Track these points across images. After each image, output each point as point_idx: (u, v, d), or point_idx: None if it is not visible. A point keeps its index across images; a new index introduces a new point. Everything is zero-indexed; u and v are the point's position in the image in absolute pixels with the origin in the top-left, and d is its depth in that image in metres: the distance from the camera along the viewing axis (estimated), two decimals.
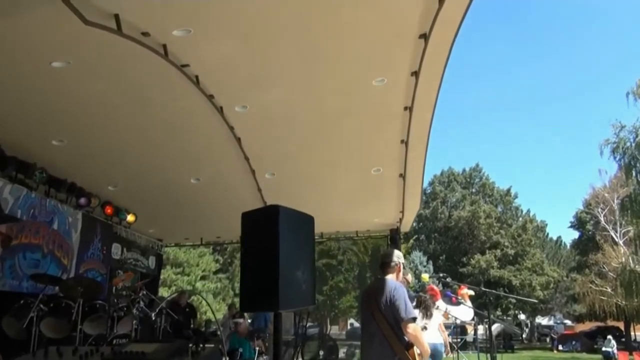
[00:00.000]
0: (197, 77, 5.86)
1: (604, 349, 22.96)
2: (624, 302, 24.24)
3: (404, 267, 4.11)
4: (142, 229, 11.42)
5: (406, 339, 3.59)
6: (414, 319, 3.60)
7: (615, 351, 22.24)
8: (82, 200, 8.64)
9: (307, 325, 24.14)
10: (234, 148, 7.89)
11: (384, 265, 4.00)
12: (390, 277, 3.89)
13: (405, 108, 6.81)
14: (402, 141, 7.85)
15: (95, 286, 6.46)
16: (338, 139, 7.83)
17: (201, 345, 3.79)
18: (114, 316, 6.19)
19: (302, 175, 9.04)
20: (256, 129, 7.38)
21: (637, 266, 22.06)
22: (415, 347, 3.60)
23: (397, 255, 4.05)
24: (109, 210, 9.53)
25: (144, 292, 7.00)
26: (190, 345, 2.23)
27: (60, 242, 8.20)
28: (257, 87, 6.22)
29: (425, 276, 6.47)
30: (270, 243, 2.17)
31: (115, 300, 6.39)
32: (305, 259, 2.37)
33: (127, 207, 10.22)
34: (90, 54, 5.03)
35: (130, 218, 10.29)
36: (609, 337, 23.86)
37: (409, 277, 6.44)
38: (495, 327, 9.56)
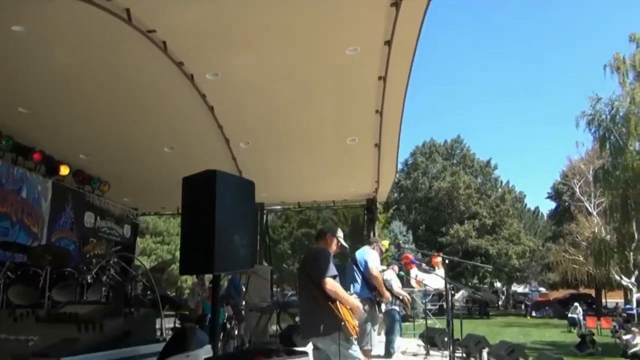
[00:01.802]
0: (164, 43, 5.72)
1: (569, 315, 23.79)
2: (594, 270, 25.00)
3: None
4: (116, 197, 11.31)
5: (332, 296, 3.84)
6: (333, 277, 3.82)
7: (581, 317, 23.07)
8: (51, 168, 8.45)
9: (286, 293, 24.42)
10: (207, 117, 7.79)
11: (317, 237, 4.43)
12: (320, 246, 4.25)
13: (380, 78, 6.75)
14: (376, 111, 7.82)
15: (64, 254, 6.41)
16: (312, 109, 7.77)
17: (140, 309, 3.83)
18: (84, 283, 6.16)
19: (277, 144, 8.98)
20: (228, 97, 7.28)
21: (607, 236, 22.68)
22: (339, 302, 3.82)
23: (329, 229, 4.43)
24: (81, 179, 9.39)
25: (115, 260, 6.97)
26: (128, 308, 2.26)
27: (29, 211, 8.09)
28: (227, 55, 6.11)
29: (385, 242, 6.64)
30: (208, 207, 2.17)
31: (85, 268, 6.35)
32: (245, 224, 2.38)
33: (100, 175, 10.09)
34: (50, 20, 4.87)
35: (103, 187, 10.16)
36: (575, 304, 24.71)
37: (381, 244, 6.61)
38: (462, 294, 9.82)
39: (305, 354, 1.83)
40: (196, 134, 8.30)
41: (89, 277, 6.01)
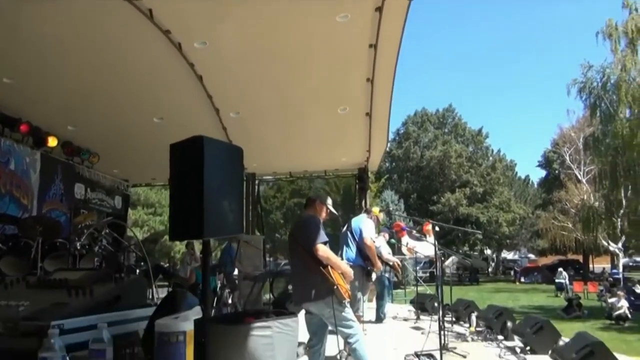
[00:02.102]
0: (150, 11, 5.60)
1: (556, 280, 24.38)
2: (582, 237, 25.39)
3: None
4: (106, 169, 11.26)
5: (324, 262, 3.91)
6: (324, 243, 3.88)
7: (567, 282, 23.63)
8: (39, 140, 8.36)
9: (279, 262, 24.62)
10: (196, 86, 7.71)
11: (305, 205, 4.44)
12: (309, 213, 4.28)
13: (370, 45, 6.67)
14: (367, 79, 7.76)
15: (55, 225, 6.41)
16: (303, 77, 7.69)
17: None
18: (76, 254, 6.18)
19: (268, 114, 8.92)
20: (217, 66, 7.18)
21: (596, 203, 22.96)
22: (331, 267, 3.89)
23: (319, 197, 4.47)
24: (69, 150, 9.30)
25: (107, 231, 6.98)
26: (118, 273, 2.28)
27: (18, 182, 8.04)
28: (215, 23, 5.99)
29: (375, 209, 6.67)
30: (196, 173, 2.17)
31: (77, 239, 6.36)
32: (233, 190, 2.39)
33: (89, 147, 10.00)
34: None
35: (92, 158, 10.07)
36: (560, 269, 25.32)
37: (382, 215, 6.67)
38: (452, 260, 10.00)
39: (294, 314, 1.87)
40: (185, 103, 8.21)
41: (78, 245, 6.01)
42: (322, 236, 3.91)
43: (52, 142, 8.75)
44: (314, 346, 4.09)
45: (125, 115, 8.42)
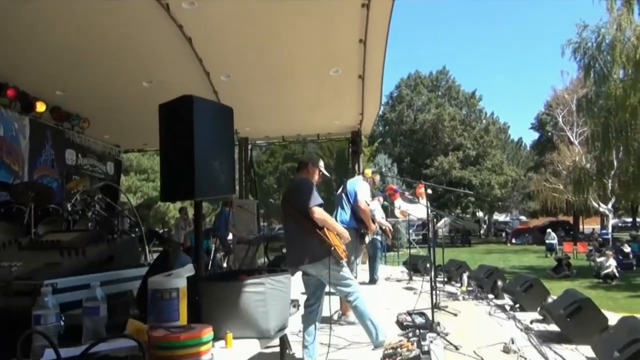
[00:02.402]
0: None
1: (547, 241, 24.76)
2: (573, 198, 25.67)
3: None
4: (97, 134, 11.14)
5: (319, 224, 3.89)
6: (319, 205, 3.87)
7: (556, 242, 24.04)
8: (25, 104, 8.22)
9: (274, 227, 24.78)
10: (186, 48, 7.56)
11: (298, 168, 4.38)
12: (303, 177, 4.24)
13: (363, 5, 6.55)
14: (360, 40, 7.64)
15: (47, 191, 6.37)
16: (294, 39, 7.56)
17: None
18: (69, 219, 6.17)
19: (259, 76, 8.81)
20: (206, 27, 7.03)
21: (587, 164, 23.11)
22: (327, 229, 3.90)
23: (311, 159, 4.42)
24: (58, 115, 9.17)
25: (100, 196, 6.95)
26: (111, 235, 2.28)
27: (8, 149, 7.95)
28: None
29: (368, 172, 6.64)
30: (186, 133, 2.13)
31: (70, 204, 6.33)
32: (224, 150, 2.36)
33: (79, 112, 9.87)
34: None
35: (82, 123, 9.93)
36: (549, 230, 25.66)
37: (377, 177, 6.65)
38: (445, 221, 10.11)
39: (286, 271, 1.90)
40: (175, 67, 8.08)
41: (69, 207, 5.98)
42: (317, 198, 3.89)
43: (41, 107, 8.61)
44: (312, 305, 4.15)
45: (114, 79, 8.28)
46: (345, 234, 4.10)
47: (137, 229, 9.19)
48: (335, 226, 4.01)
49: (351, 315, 5.85)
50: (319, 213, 3.85)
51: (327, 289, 4.11)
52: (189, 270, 1.71)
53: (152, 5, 6.17)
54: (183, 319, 1.66)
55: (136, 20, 6.55)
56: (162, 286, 1.62)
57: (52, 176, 9.10)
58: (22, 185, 6.52)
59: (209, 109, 2.29)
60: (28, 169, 8.48)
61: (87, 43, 6.98)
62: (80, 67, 7.69)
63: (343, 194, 5.84)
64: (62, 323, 1.71)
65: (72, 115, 9.70)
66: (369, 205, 5.82)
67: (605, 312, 5.07)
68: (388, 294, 8.34)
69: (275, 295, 1.86)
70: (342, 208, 5.79)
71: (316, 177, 4.30)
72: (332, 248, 3.84)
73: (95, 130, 10.66)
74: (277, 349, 2.69)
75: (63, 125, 9.75)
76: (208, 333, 1.54)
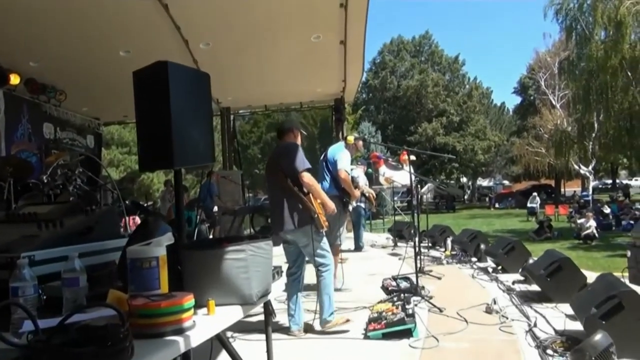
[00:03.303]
0: None
1: (528, 205, 25.04)
2: (555, 161, 25.99)
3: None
4: (75, 107, 10.91)
5: (305, 191, 3.88)
6: (308, 170, 3.86)
7: (538, 206, 24.37)
8: None
9: (259, 197, 24.80)
10: (162, 16, 7.38)
11: (281, 133, 4.25)
12: (289, 141, 4.17)
13: None
14: (341, 5, 7.52)
15: (25, 165, 6.25)
16: (274, 3, 7.41)
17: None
18: (50, 194, 6.07)
19: (239, 44, 8.64)
20: None
21: (569, 127, 23.33)
22: (312, 196, 3.91)
23: (293, 124, 4.40)
24: (34, 88, 8.93)
25: (81, 170, 6.84)
26: (89, 206, 2.24)
27: None
28: None
29: (350, 138, 6.55)
30: (161, 100, 2.08)
31: (50, 179, 6.22)
32: (202, 117, 2.31)
33: (55, 84, 9.62)
34: None
35: (59, 95, 9.71)
36: (534, 194, 25.93)
37: (360, 143, 6.54)
38: (429, 187, 10.09)
39: (267, 238, 1.90)
40: (152, 35, 7.87)
41: (47, 181, 5.88)
42: (307, 162, 3.87)
43: (15, 79, 8.37)
44: (294, 274, 4.17)
45: (89, 49, 8.05)
46: (331, 205, 4.08)
47: (119, 205, 9.12)
48: (321, 194, 4.00)
49: (337, 282, 5.92)
50: (309, 178, 3.83)
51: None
52: (168, 238, 1.69)
53: None
54: (164, 287, 1.66)
55: None
56: (141, 255, 1.61)
57: (30, 150, 8.93)
58: (0, 160, 6.38)
59: (185, 75, 2.23)
60: (5, 144, 8.30)
61: (58, 10, 6.75)
62: (54, 36, 7.47)
63: (323, 162, 5.77)
64: (41, 295, 1.70)
65: (48, 87, 9.46)
66: (349, 173, 5.76)
67: (585, 272, 5.20)
68: (373, 260, 8.46)
69: (256, 262, 1.86)
70: (323, 176, 5.73)
71: (299, 140, 4.25)
72: (316, 216, 3.84)
73: (73, 102, 10.44)
74: (262, 317, 2.71)
75: (39, 99, 9.51)
76: (189, 300, 1.53)
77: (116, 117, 13.67)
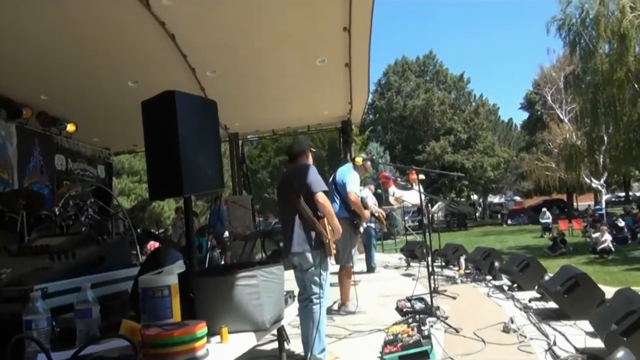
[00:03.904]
0: None
1: (541, 221, 24.71)
2: (566, 175, 25.77)
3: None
4: (85, 138, 11.04)
5: (319, 214, 3.78)
6: (323, 191, 3.77)
7: (550, 221, 24.01)
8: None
9: (270, 222, 24.74)
10: (169, 46, 7.49)
11: (292, 156, 4.15)
12: (303, 162, 4.06)
13: None
14: (344, 28, 7.61)
15: (38, 197, 6.32)
16: (278, 29, 7.49)
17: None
18: (62, 225, 6.11)
19: (245, 71, 8.74)
20: (189, 22, 6.96)
21: (578, 141, 23.18)
22: (325, 220, 3.79)
23: (305, 145, 4.25)
24: (45, 120, 9.06)
25: (92, 200, 6.89)
26: (101, 236, 2.24)
27: None
28: None
29: (359, 159, 6.52)
30: (170, 129, 2.10)
31: (62, 210, 6.27)
32: (210, 144, 2.32)
33: (65, 116, 9.77)
34: None
35: (70, 128, 9.86)
36: (544, 209, 25.61)
37: (368, 164, 6.52)
38: (439, 206, 9.98)
39: (278, 263, 1.88)
40: (160, 65, 7.99)
41: (57, 211, 5.93)
42: (322, 184, 3.79)
43: (27, 113, 8.52)
44: (305, 300, 3.92)
45: (98, 81, 8.19)
46: (340, 230, 3.97)
47: (131, 233, 9.15)
48: (334, 219, 3.87)
49: (351, 305, 5.86)
50: (324, 199, 3.75)
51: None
52: (179, 266, 1.69)
53: (132, 3, 6.09)
54: (177, 316, 1.65)
55: (117, 19, 6.46)
56: (153, 284, 1.60)
57: (42, 182, 9.03)
58: (12, 193, 6.46)
59: (192, 103, 2.26)
60: (18, 176, 8.40)
61: (67, 44, 6.88)
62: (63, 69, 7.59)
63: (333, 184, 5.75)
64: (55, 327, 1.69)
65: (58, 119, 9.60)
66: (358, 195, 5.73)
67: (602, 287, 5.09)
68: (387, 281, 8.37)
69: (268, 287, 1.85)
70: (333, 198, 5.68)
71: (311, 160, 4.15)
72: (327, 241, 3.74)
73: (83, 133, 10.57)
74: (276, 345, 2.67)
75: (50, 131, 9.65)
76: (202, 329, 1.52)
77: (126, 146, 13.82)
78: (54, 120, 9.46)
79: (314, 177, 3.77)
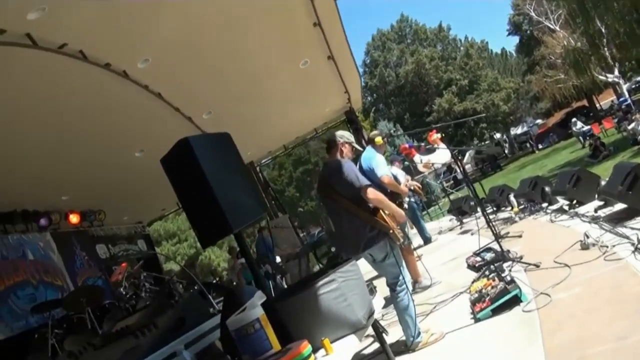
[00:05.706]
0: (81, 52, 5.43)
1: (575, 130, 23.49)
2: (578, 80, 25.09)
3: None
4: (116, 220, 11.25)
5: (370, 205, 3.63)
6: (368, 185, 3.61)
7: (585, 128, 22.95)
8: (42, 221, 8.36)
9: (313, 233, 24.79)
10: (160, 105, 7.58)
11: (328, 149, 4.06)
12: (335, 158, 3.94)
13: None
14: (314, 24, 7.58)
15: (96, 290, 6.47)
16: (252, 46, 7.47)
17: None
18: (128, 307, 6.24)
19: (239, 100, 8.78)
20: (170, 77, 7.00)
21: (578, 43, 22.57)
22: (382, 210, 3.64)
23: (339, 135, 4.07)
24: (75, 219, 9.27)
25: (144, 274, 7.01)
26: (172, 299, 2.25)
27: (44, 268, 8.07)
28: (148, 36, 5.83)
29: (378, 139, 6.37)
30: (197, 174, 2.09)
31: (122, 293, 6.41)
32: (238, 174, 2.31)
33: (90, 207, 9.97)
34: None
35: (99, 216, 10.06)
36: (574, 119, 24.54)
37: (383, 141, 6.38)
38: (469, 154, 9.81)
39: (349, 259, 1.85)
40: (158, 126, 8.05)
41: (119, 291, 6.06)
42: (363, 178, 3.63)
43: (56, 218, 8.71)
44: (389, 288, 3.87)
45: (106, 165, 8.27)
46: (401, 213, 3.80)
47: (191, 290, 9.26)
48: (390, 205, 3.70)
49: (424, 280, 5.80)
50: (373, 193, 3.57)
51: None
52: (260, 297, 1.68)
53: (110, 77, 6.16)
54: (276, 345, 1.63)
55: (102, 97, 6.51)
56: (243, 322, 1.59)
57: (93, 276, 9.22)
58: (72, 295, 6.60)
59: (208, 142, 2.26)
60: (70, 278, 8.59)
61: (66, 142, 6.98)
62: (73, 166, 7.72)
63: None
64: None
65: (86, 213, 9.81)
66: (390, 176, 5.62)
67: None
68: (447, 246, 8.27)
69: (350, 286, 1.82)
70: None
71: (349, 154, 3.99)
72: (391, 231, 3.58)
73: (112, 217, 10.76)
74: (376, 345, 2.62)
75: (83, 225, 9.86)
76: (306, 347, 1.51)
77: (156, 213, 14.04)
78: (82, 215, 9.66)
79: (349, 174, 3.61)
